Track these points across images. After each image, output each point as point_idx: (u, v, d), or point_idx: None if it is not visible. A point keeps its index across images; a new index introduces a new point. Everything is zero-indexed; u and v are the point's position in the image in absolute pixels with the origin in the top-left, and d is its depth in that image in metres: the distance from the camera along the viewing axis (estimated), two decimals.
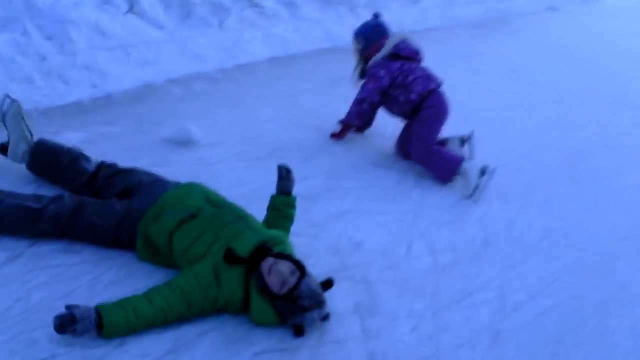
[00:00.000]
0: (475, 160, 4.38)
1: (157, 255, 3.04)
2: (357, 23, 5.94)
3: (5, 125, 3.37)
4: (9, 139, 3.39)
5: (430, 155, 4.33)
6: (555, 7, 11.74)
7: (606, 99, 6.97)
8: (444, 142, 4.54)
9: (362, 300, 3.13)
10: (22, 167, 3.48)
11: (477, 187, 4.17)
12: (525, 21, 10.22)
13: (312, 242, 3.45)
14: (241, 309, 2.86)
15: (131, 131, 4.26)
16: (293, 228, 3.30)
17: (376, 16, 4.83)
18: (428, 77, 4.44)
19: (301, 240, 3.34)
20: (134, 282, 2.94)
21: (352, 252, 3.49)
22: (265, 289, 2.77)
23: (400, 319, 3.09)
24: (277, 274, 2.75)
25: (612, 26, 10.84)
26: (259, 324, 2.84)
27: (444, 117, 4.46)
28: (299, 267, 2.81)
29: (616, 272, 3.81)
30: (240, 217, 3.05)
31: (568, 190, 4.69)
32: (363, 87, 4.57)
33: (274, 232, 3.08)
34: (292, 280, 2.75)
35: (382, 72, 4.40)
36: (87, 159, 3.41)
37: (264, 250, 2.87)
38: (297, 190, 3.76)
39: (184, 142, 4.16)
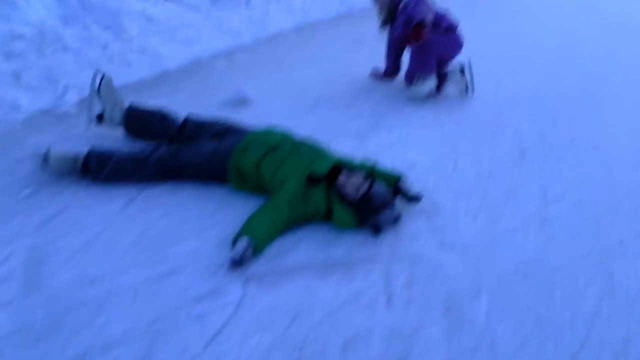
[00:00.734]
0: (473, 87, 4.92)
1: (246, 183, 3.56)
2: None
3: (99, 96, 3.88)
4: (103, 108, 3.90)
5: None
6: None
7: (612, 29, 7.43)
8: (445, 75, 5.01)
9: (424, 205, 3.59)
10: (117, 134, 3.98)
11: (466, 84, 4.68)
12: None
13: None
14: (325, 217, 3.35)
15: (193, 98, 4.78)
16: None
17: None
18: (446, 15, 4.90)
19: None
20: (233, 208, 3.44)
21: (407, 171, 3.94)
22: (344, 197, 3.27)
23: (460, 215, 3.56)
24: (351, 183, 3.27)
25: None
26: (342, 226, 3.33)
27: (456, 52, 4.96)
28: (369, 176, 3.32)
29: (639, 165, 4.24)
30: (313, 147, 3.57)
31: (587, 107, 5.15)
32: (415, 9, 4.75)
33: (344, 157, 3.60)
34: (365, 186, 3.27)
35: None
36: (172, 116, 3.92)
37: (338, 168, 3.38)
38: (348, 129, 4.30)
39: (240, 102, 4.66)
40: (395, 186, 3.47)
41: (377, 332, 2.68)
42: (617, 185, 3.94)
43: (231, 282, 2.90)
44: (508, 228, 3.46)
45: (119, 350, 2.50)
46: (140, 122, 3.97)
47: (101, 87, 3.87)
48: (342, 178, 3.31)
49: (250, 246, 3.02)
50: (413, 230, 3.36)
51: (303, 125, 4.13)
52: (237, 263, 2.96)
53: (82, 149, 3.64)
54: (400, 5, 4.93)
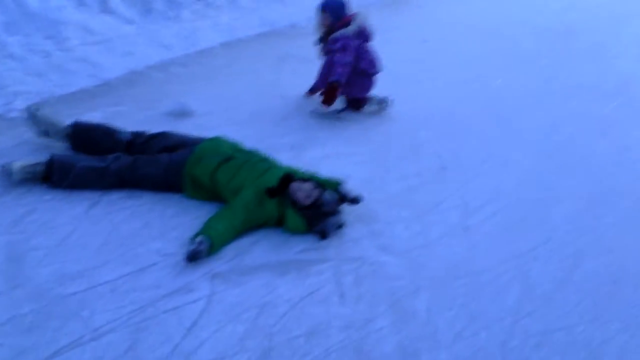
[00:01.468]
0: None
1: (201, 191, 3.85)
2: (285, 9, 6.89)
3: (36, 125, 4.10)
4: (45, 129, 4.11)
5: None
6: None
7: (508, 57, 8.14)
8: (366, 100, 5.54)
9: (362, 213, 3.98)
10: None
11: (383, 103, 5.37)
12: None
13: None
14: (277, 223, 3.70)
15: (135, 109, 5.00)
16: None
17: None
18: (373, 61, 5.36)
19: None
20: (190, 213, 3.73)
21: (344, 182, 4.33)
22: (295, 203, 3.63)
23: (394, 222, 3.97)
24: (303, 190, 3.64)
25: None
26: (292, 231, 3.68)
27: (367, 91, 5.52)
28: (319, 184, 3.70)
29: (544, 180, 4.83)
30: (263, 158, 3.92)
31: (494, 127, 5.71)
32: (344, 54, 5.21)
33: (293, 167, 3.96)
34: (315, 193, 3.65)
35: (352, 44, 5.23)
36: (119, 131, 4.15)
37: (289, 177, 3.74)
38: (285, 142, 4.66)
39: (182, 114, 4.93)
40: (336, 191, 3.82)
41: (334, 324, 3.05)
42: (526, 198, 4.45)
43: (199, 279, 3.20)
44: (436, 235, 3.89)
45: (107, 339, 2.77)
46: (86, 138, 4.14)
47: (35, 118, 4.10)
48: (294, 186, 3.66)
49: (206, 244, 3.32)
50: (354, 235, 3.75)
51: (243, 138, 4.38)
52: (191, 258, 3.27)
53: (43, 156, 3.81)
54: (333, 34, 5.28)
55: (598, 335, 3.20)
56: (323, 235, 3.67)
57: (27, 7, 5.35)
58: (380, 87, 5.46)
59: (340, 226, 3.75)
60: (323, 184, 3.75)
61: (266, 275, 3.29)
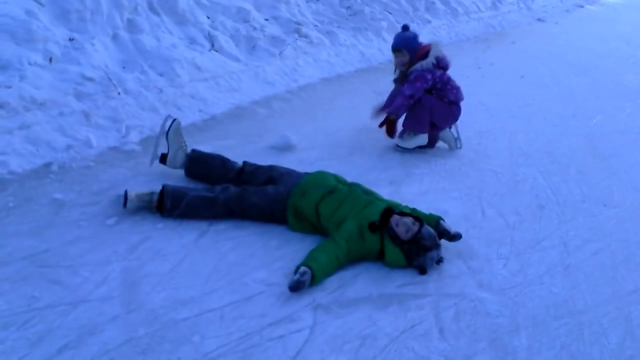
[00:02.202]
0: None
1: (304, 223, 3.99)
2: (383, 45, 7.07)
3: (167, 139, 4.32)
4: (168, 150, 4.34)
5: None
6: (542, 18, 12.89)
7: (606, 92, 8.04)
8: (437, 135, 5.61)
9: (461, 249, 4.04)
10: (178, 172, 4.45)
11: (454, 139, 5.34)
12: (519, 32, 11.35)
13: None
14: (377, 257, 3.79)
15: (241, 142, 5.22)
16: None
17: (405, 27, 5.59)
18: (458, 89, 5.44)
19: None
20: (293, 245, 3.87)
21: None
22: (395, 237, 3.72)
23: (493, 260, 4.00)
24: (403, 224, 3.72)
25: (595, 31, 11.98)
26: (391, 265, 3.76)
27: (451, 123, 5.61)
28: (418, 219, 3.78)
29: None
30: (366, 191, 4.04)
31: (594, 164, 5.65)
32: (411, 86, 5.31)
33: (394, 201, 4.06)
34: (415, 228, 3.72)
35: (429, 76, 5.31)
36: (232, 161, 4.36)
37: (390, 211, 3.84)
38: (383, 177, 4.76)
39: (285, 148, 5.10)
40: (436, 227, 3.89)
41: (434, 358, 3.10)
42: (628, 239, 4.39)
43: (302, 309, 3.31)
44: (536, 273, 3.89)
45: None
46: (201, 165, 4.42)
47: (170, 130, 4.29)
48: (395, 219, 3.75)
49: (308, 275, 3.43)
50: (454, 271, 3.80)
51: (342, 173, 4.50)
52: (294, 288, 3.38)
53: (156, 186, 4.05)
54: (413, 67, 5.37)
55: None
56: (422, 270, 3.73)
57: (142, 46, 5.69)
58: (478, 122, 5.52)
59: (439, 261, 3.80)
60: (422, 219, 3.81)
61: (367, 308, 3.38)
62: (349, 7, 8.60)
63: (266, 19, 7.38)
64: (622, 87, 8.28)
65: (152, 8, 6.19)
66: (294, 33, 7.33)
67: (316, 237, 3.92)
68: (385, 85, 6.69)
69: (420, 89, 5.27)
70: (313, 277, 3.45)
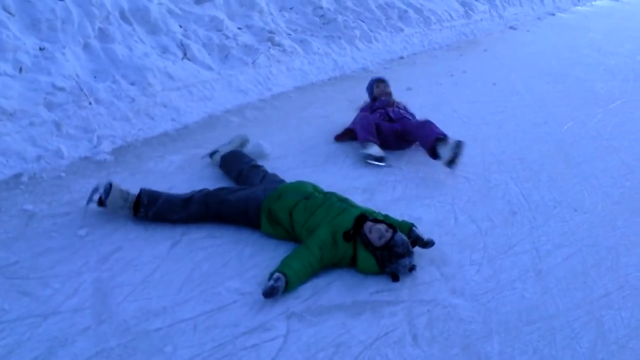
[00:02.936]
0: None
1: (277, 227, 4.00)
2: (356, 53, 7.13)
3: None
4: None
5: None
6: (514, 26, 13.02)
7: (577, 99, 8.13)
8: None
9: (434, 256, 4.05)
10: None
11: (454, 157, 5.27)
12: (491, 40, 11.44)
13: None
14: (350, 263, 3.80)
15: None
16: None
17: None
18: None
19: None
20: (267, 253, 3.87)
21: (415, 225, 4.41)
22: (368, 243, 3.73)
23: (465, 266, 4.02)
24: (376, 231, 3.74)
25: (566, 39, 12.11)
26: (364, 271, 3.77)
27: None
28: (391, 226, 3.80)
29: (616, 226, 4.76)
30: (341, 198, 4.05)
31: (565, 170, 5.70)
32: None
33: (368, 208, 4.07)
34: (388, 234, 3.73)
35: None
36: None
37: (364, 217, 3.85)
38: (357, 185, 4.77)
39: (258, 156, 5.09)
40: (409, 234, 3.91)
41: None
42: (599, 244, 4.44)
43: (276, 318, 3.31)
44: (508, 279, 3.92)
45: None
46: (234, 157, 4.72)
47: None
48: (367, 226, 3.76)
49: (282, 281, 3.44)
50: (427, 278, 3.82)
51: (316, 180, 4.51)
52: (268, 294, 3.40)
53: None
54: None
55: None
56: (395, 277, 3.74)
57: (114, 55, 5.66)
58: (451, 130, 5.56)
59: (411, 269, 3.81)
60: (395, 226, 3.82)
61: (341, 316, 3.38)
62: (322, 16, 8.62)
63: (239, 28, 7.37)
64: (593, 94, 8.38)
65: (124, 17, 6.16)
66: (267, 42, 7.33)
67: (289, 244, 3.92)
68: (359, 93, 6.75)
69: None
70: (287, 283, 3.45)
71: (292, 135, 5.79)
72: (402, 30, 9.66)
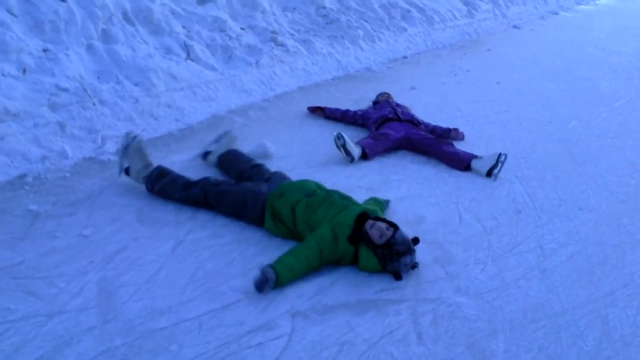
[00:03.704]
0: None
1: (280, 225, 4.00)
2: (360, 53, 7.15)
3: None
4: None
5: None
6: (517, 25, 12.99)
7: (581, 98, 8.11)
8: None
9: (438, 255, 4.06)
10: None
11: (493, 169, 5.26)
12: (494, 39, 11.42)
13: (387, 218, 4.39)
14: (352, 261, 3.79)
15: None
16: None
17: None
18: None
19: None
20: (270, 252, 3.85)
21: (419, 224, 4.42)
22: (369, 241, 3.73)
23: (470, 264, 4.02)
24: (377, 229, 3.73)
25: (570, 37, 12.10)
26: (366, 269, 3.77)
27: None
28: (392, 224, 3.79)
29: (621, 224, 4.76)
30: (343, 196, 4.05)
31: (569, 169, 5.69)
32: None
33: (370, 206, 4.07)
34: (389, 233, 3.73)
35: None
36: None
37: (365, 215, 3.85)
38: (361, 184, 4.77)
39: (262, 156, 5.09)
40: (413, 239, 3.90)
41: None
42: (604, 243, 4.43)
43: (280, 317, 3.31)
44: (513, 277, 3.92)
45: None
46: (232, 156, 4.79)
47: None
48: (368, 224, 3.76)
49: (271, 274, 3.47)
50: (431, 276, 3.82)
51: (320, 180, 4.51)
52: (257, 288, 3.44)
53: (134, 195, 4.25)
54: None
55: None
56: (397, 275, 3.74)
57: (118, 56, 5.67)
58: (460, 127, 5.60)
59: (413, 266, 3.81)
60: (396, 225, 3.81)
61: (345, 314, 3.38)
62: (325, 16, 8.62)
63: (242, 28, 7.38)
64: (597, 93, 8.36)
65: (127, 18, 6.17)
66: (270, 42, 7.33)
67: (292, 243, 3.92)
68: (363, 93, 6.75)
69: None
70: (277, 277, 3.47)
71: (296, 135, 5.79)
72: (405, 29, 9.65)
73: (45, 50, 5.23)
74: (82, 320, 3.11)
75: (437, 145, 5.51)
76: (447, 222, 4.49)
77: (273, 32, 7.59)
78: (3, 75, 4.79)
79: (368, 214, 3.83)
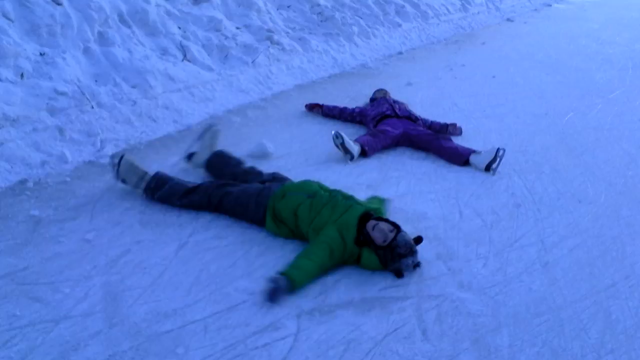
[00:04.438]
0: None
1: (282, 226, 4.01)
2: (355, 50, 7.16)
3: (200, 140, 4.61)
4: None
5: None
6: (511, 18, 13.02)
7: (577, 90, 8.14)
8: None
9: (440, 251, 4.08)
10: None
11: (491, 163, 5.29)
12: (489, 33, 11.45)
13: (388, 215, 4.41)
14: (355, 261, 3.81)
15: None
16: None
17: None
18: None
19: None
20: (274, 252, 3.88)
21: (420, 220, 4.43)
22: (371, 242, 3.74)
23: (472, 260, 4.04)
24: (379, 230, 3.74)
25: (564, 29, 12.12)
26: (368, 268, 3.79)
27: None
28: (395, 225, 3.81)
29: (621, 216, 4.78)
30: (346, 196, 4.05)
31: (567, 162, 5.71)
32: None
33: (374, 205, 4.09)
34: (391, 235, 3.74)
35: None
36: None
37: (368, 215, 3.86)
38: (361, 182, 4.78)
39: (262, 155, 5.11)
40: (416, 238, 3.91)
41: None
42: (603, 235, 4.45)
43: (286, 317, 3.32)
44: (515, 272, 3.93)
45: None
46: (221, 159, 4.73)
47: (206, 135, 4.67)
48: (370, 225, 3.77)
49: (283, 282, 3.47)
50: (434, 272, 3.84)
51: (320, 178, 4.52)
52: (269, 298, 3.43)
53: (134, 197, 4.20)
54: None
55: None
56: (398, 273, 3.76)
57: (114, 58, 5.67)
58: (457, 121, 5.63)
59: (416, 266, 3.83)
60: (399, 226, 3.82)
61: (350, 313, 3.40)
62: (319, 13, 8.63)
63: (237, 28, 7.38)
64: (593, 85, 8.39)
65: (122, 20, 6.17)
66: (266, 40, 7.34)
67: (295, 243, 3.95)
68: (359, 90, 6.77)
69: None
70: (292, 282, 3.48)
71: (295, 133, 5.80)
72: (400, 25, 9.66)
73: (42, 54, 5.23)
74: (88, 325, 3.12)
75: (436, 141, 5.52)
76: (447, 218, 4.50)
77: (268, 30, 7.60)
78: (1, 80, 4.80)
79: (370, 214, 3.83)
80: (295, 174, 4.56)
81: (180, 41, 6.49)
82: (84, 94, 5.06)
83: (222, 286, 3.51)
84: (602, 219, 4.64)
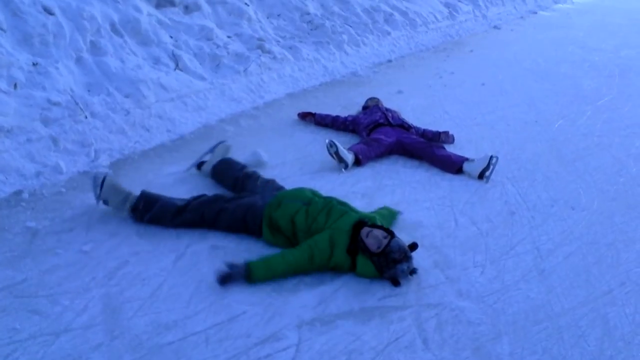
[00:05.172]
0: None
1: (279, 235, 4.01)
2: (345, 58, 7.20)
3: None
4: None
5: None
6: (498, 25, 13.11)
7: (566, 97, 8.21)
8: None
9: (437, 259, 4.09)
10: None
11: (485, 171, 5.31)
12: (476, 40, 11.53)
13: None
14: (350, 269, 3.82)
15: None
16: None
17: None
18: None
19: None
20: None
21: (415, 228, 4.44)
22: (365, 249, 3.75)
23: (469, 268, 4.05)
24: (372, 237, 3.76)
25: (550, 36, 12.23)
26: (363, 276, 3.79)
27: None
28: (389, 232, 3.82)
29: (614, 223, 4.82)
30: (341, 203, 4.07)
31: (559, 169, 5.75)
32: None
33: (368, 213, 4.10)
34: (384, 241, 3.75)
35: None
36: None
37: (362, 222, 3.87)
38: (356, 190, 4.79)
39: (256, 164, 5.09)
40: (411, 245, 3.92)
41: None
42: (598, 241, 4.49)
43: (287, 328, 3.33)
44: (512, 279, 3.96)
45: None
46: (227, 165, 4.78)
47: (218, 148, 4.73)
48: (364, 232, 3.78)
49: (238, 268, 3.59)
50: (432, 281, 3.85)
51: (315, 187, 4.52)
52: (220, 281, 3.55)
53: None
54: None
55: None
56: (395, 282, 3.77)
57: (107, 68, 5.66)
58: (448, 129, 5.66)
59: (412, 272, 3.83)
60: (392, 232, 3.84)
61: (350, 323, 3.40)
62: (309, 22, 8.65)
63: (229, 36, 7.38)
64: (581, 91, 8.47)
65: (114, 29, 6.15)
66: (257, 49, 7.34)
67: None
68: (350, 98, 6.78)
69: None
70: (251, 273, 3.57)
71: (288, 142, 5.81)
72: (389, 33, 9.70)
73: (35, 64, 5.20)
74: (89, 337, 3.11)
75: (429, 149, 5.54)
76: (443, 226, 4.52)
77: (259, 39, 7.60)
78: None
79: (364, 222, 3.84)
80: (290, 183, 4.57)
81: (172, 50, 6.49)
82: (77, 103, 5.04)
83: (221, 297, 3.50)
84: (595, 226, 4.67)
